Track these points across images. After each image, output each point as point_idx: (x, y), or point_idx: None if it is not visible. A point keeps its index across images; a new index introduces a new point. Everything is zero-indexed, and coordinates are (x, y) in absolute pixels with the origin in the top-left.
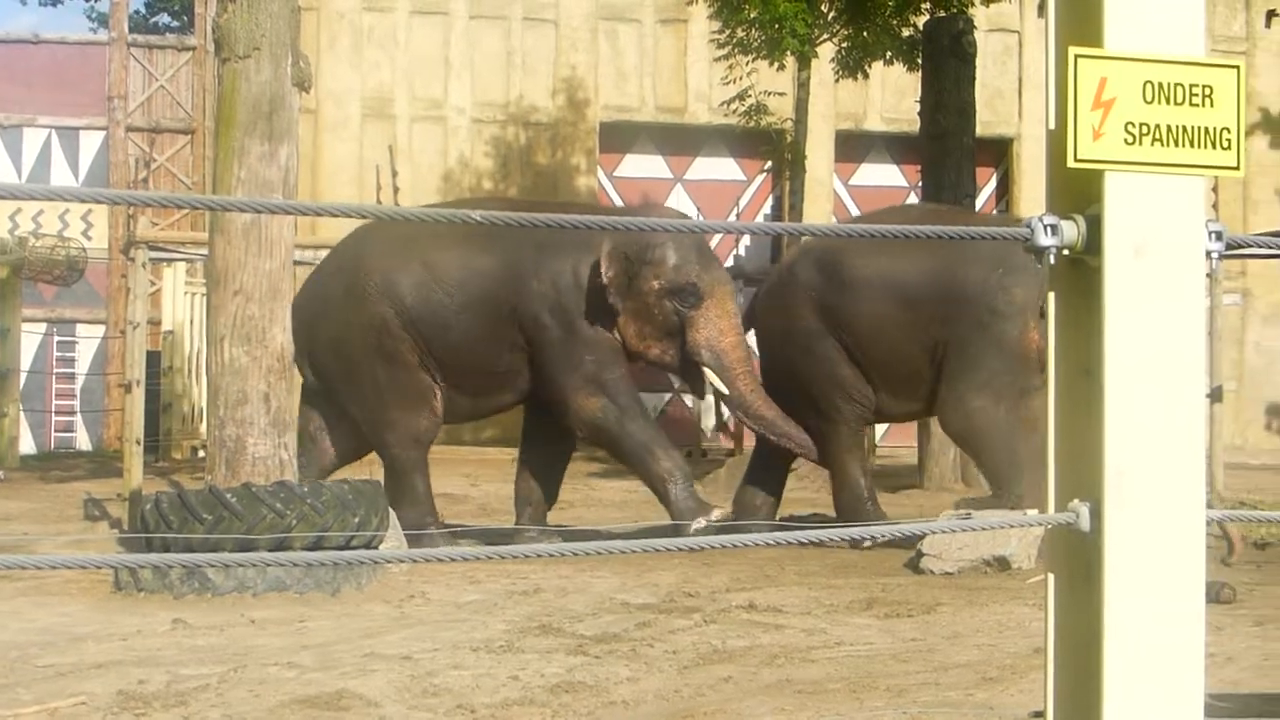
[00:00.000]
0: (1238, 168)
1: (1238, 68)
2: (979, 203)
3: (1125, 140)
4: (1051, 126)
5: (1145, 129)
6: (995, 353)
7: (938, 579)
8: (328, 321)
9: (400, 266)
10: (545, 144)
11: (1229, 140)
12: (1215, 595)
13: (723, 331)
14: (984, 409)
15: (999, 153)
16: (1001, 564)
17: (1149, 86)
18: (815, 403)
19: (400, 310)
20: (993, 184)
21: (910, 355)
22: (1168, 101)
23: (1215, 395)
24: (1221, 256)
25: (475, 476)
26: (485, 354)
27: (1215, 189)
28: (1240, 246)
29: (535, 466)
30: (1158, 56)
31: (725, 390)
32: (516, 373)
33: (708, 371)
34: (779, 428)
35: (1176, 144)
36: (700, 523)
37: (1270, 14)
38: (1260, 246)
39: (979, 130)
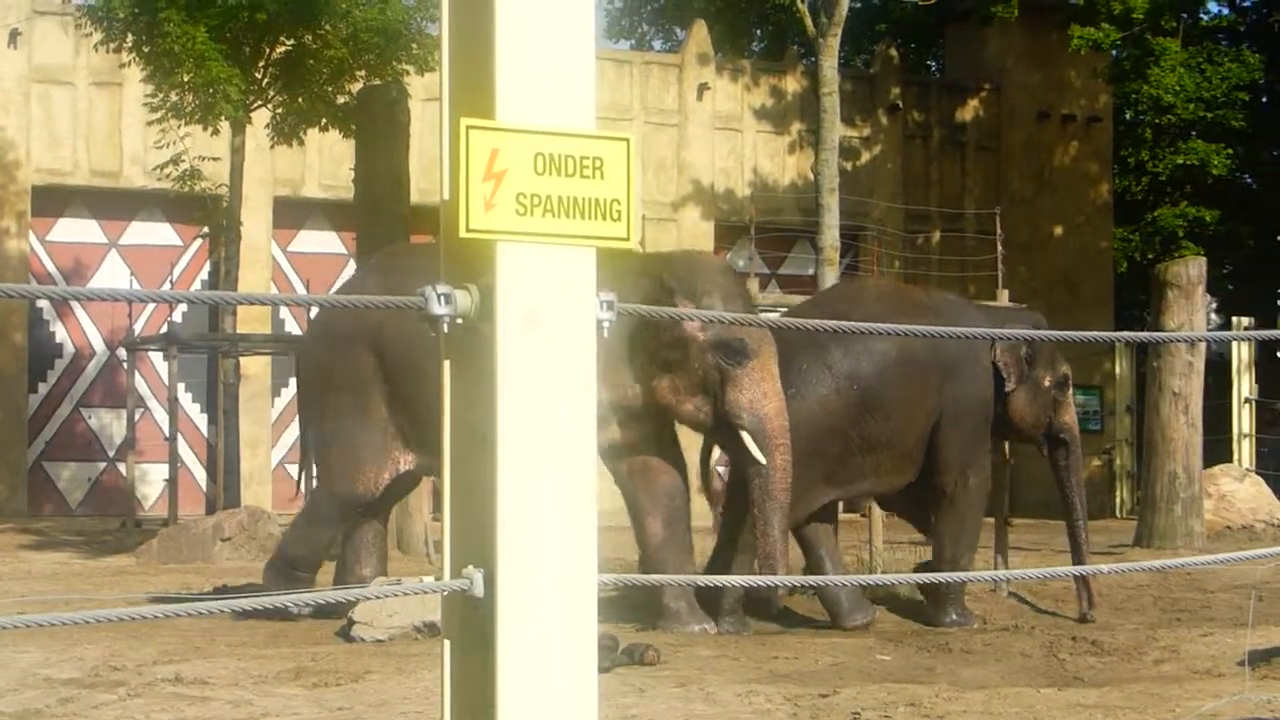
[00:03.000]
0: (628, 238)
1: (627, 140)
2: None
3: (517, 211)
4: (446, 197)
5: (537, 200)
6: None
7: (369, 646)
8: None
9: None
10: None
11: (619, 211)
12: (639, 657)
13: (766, 395)
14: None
15: (436, 221)
16: (432, 629)
17: (540, 158)
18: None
19: None
20: None
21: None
22: (559, 173)
23: None
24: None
25: None
26: None
27: None
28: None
29: None
30: (549, 129)
31: (762, 459)
32: None
33: (745, 436)
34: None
35: (568, 215)
36: None
37: (702, 87)
38: (652, 315)
39: (415, 198)
